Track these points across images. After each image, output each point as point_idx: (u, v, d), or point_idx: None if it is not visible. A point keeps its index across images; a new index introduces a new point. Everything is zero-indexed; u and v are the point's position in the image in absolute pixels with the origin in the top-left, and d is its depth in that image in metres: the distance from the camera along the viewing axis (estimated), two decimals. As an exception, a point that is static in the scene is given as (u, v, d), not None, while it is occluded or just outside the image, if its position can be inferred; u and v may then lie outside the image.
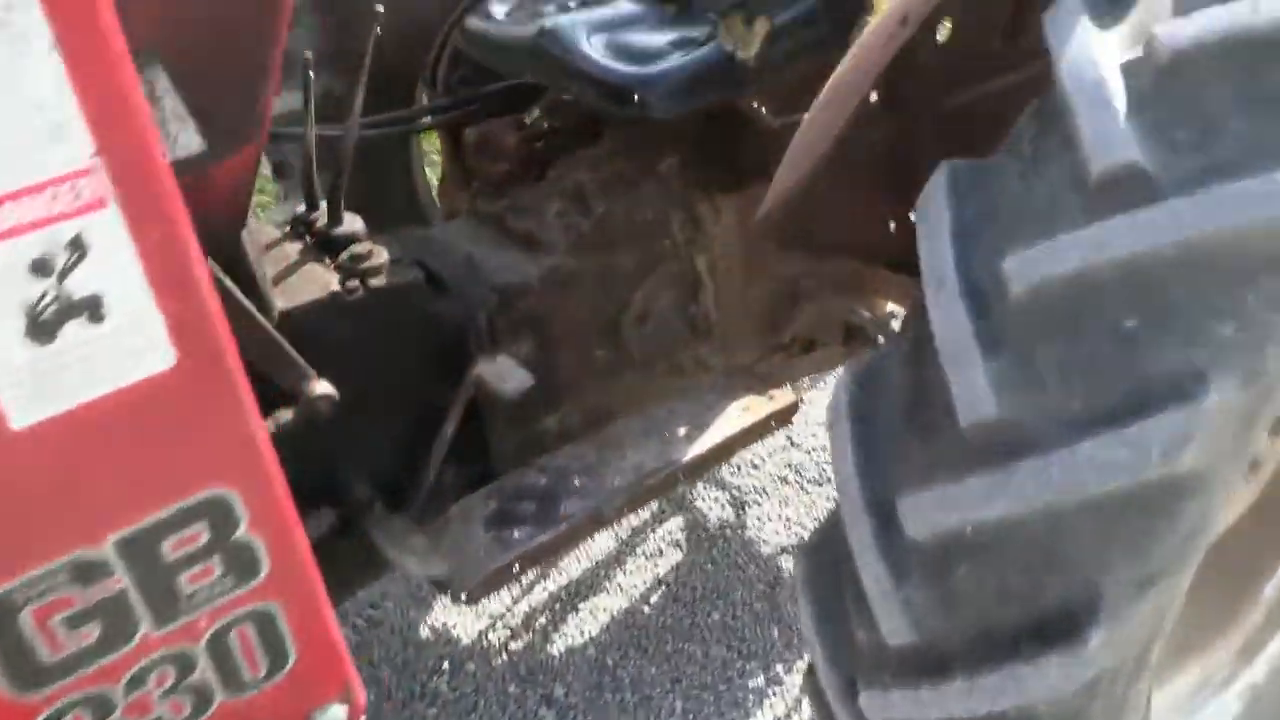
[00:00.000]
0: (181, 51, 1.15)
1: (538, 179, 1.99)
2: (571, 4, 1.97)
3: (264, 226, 1.79)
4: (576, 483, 1.82)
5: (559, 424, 2.02)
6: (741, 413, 1.96)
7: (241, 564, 0.94)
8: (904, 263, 1.73)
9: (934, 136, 1.66)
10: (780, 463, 2.94)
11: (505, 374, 1.68)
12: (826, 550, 1.39)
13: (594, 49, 1.77)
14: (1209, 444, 1.06)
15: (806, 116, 1.44)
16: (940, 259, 1.20)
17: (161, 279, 0.78)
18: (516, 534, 1.72)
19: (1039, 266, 1.10)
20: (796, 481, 2.88)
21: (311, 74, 1.74)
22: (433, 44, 2.26)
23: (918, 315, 1.24)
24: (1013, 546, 1.15)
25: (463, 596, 1.65)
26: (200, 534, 0.90)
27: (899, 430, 1.25)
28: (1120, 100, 1.10)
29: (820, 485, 2.86)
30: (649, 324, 2.04)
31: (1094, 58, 1.13)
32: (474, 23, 2.00)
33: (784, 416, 1.98)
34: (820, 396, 3.18)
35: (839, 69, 1.40)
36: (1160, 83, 1.10)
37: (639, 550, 2.69)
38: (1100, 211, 1.08)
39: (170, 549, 0.89)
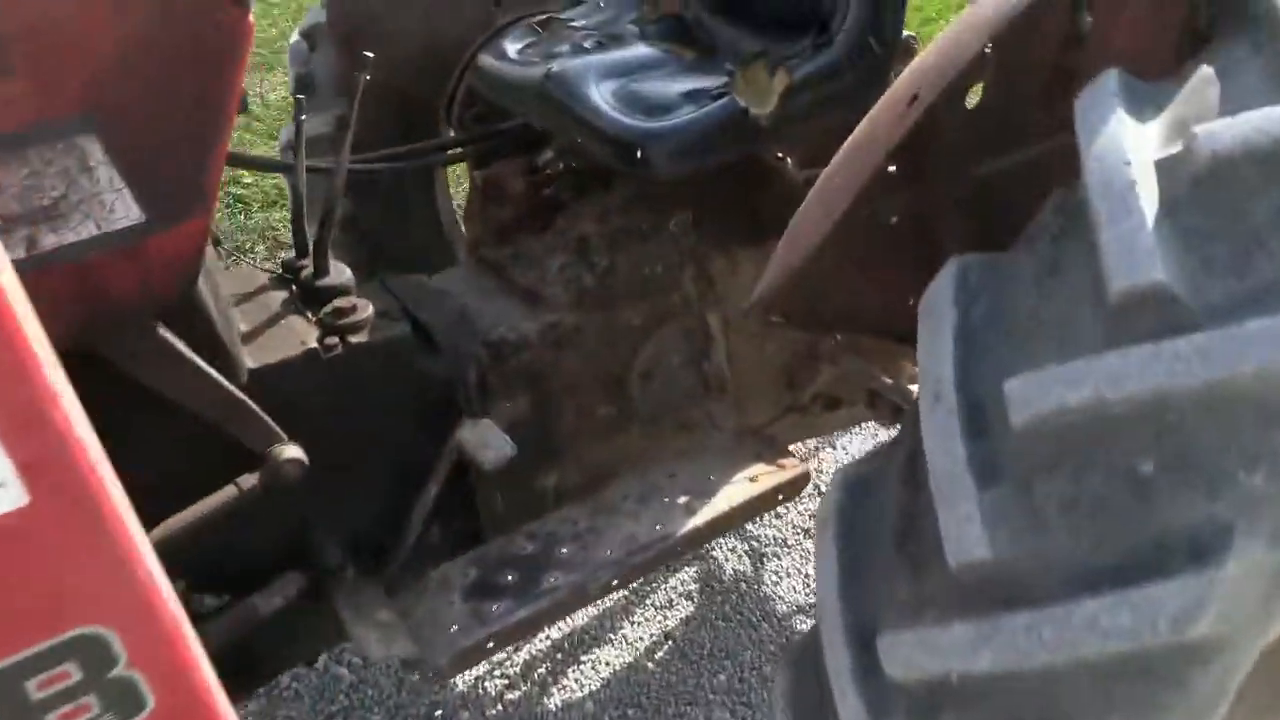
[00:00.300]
0: (118, 118, 1.08)
1: (545, 226, 1.90)
2: (587, 44, 1.87)
3: (254, 272, 1.72)
4: (564, 552, 1.72)
5: (557, 481, 1.92)
6: (748, 483, 1.84)
7: (123, 701, 0.86)
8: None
9: (958, 207, 1.53)
10: (804, 512, 2.81)
11: (487, 441, 1.58)
12: (809, 665, 1.27)
13: (601, 97, 1.67)
14: (1229, 609, 0.92)
15: (810, 195, 1.32)
16: (939, 368, 1.07)
17: (6, 422, 0.71)
18: (494, 607, 1.62)
19: (1047, 393, 0.97)
20: (820, 535, 2.74)
21: (305, 115, 1.67)
22: (454, 76, 2.19)
23: (913, 426, 1.12)
24: (1002, 700, 1.03)
25: (430, 676, 1.56)
26: (71, 673, 0.82)
27: (887, 555, 1.13)
28: (1150, 207, 0.96)
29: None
30: (656, 381, 1.93)
31: (1124, 155, 1.00)
32: (486, 60, 1.91)
33: (793, 489, 1.86)
34: (854, 442, 3.05)
35: (846, 145, 1.27)
36: (1197, 189, 0.96)
37: (648, 600, 2.59)
38: (1120, 337, 0.95)
39: (36, 688, 0.81)
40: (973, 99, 1.42)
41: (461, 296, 1.80)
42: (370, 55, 1.63)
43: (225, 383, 1.39)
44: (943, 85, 1.18)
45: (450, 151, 2.11)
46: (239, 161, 1.97)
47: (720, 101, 1.62)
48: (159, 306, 1.22)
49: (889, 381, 1.91)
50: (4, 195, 1.03)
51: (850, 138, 1.29)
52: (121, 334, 1.22)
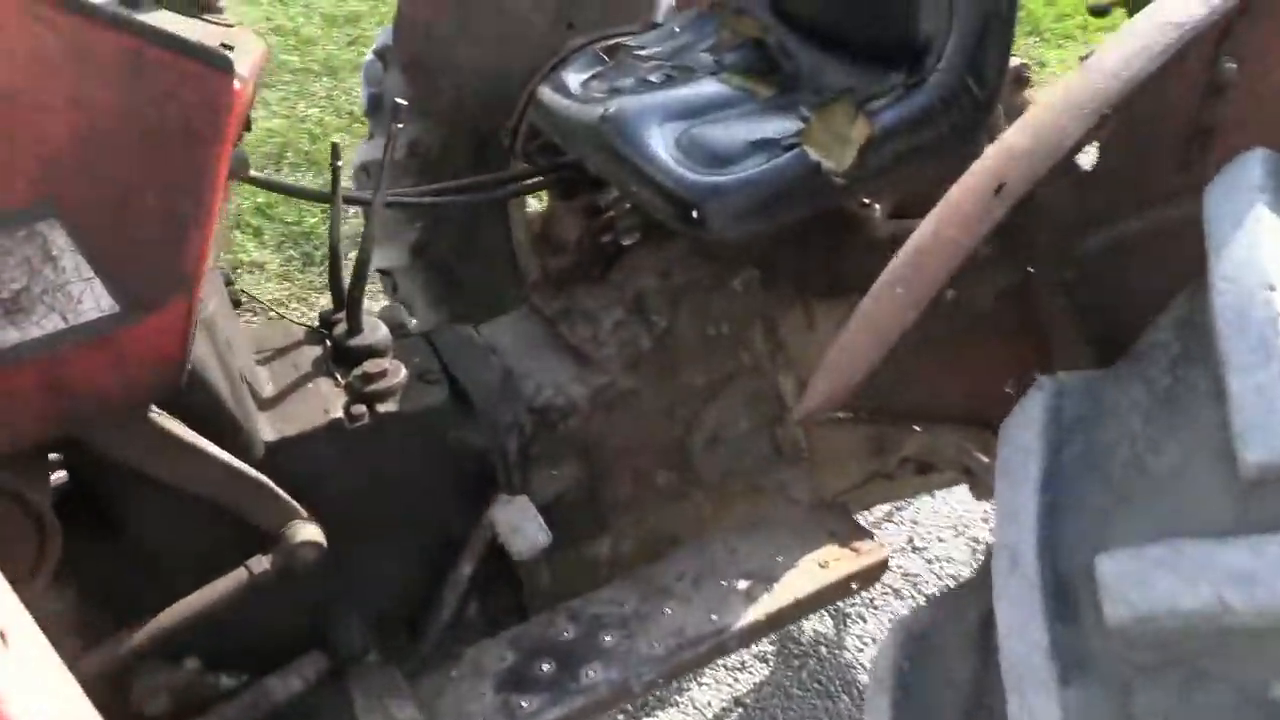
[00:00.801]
0: (83, 202, 0.97)
1: (603, 274, 1.74)
2: (654, 77, 1.70)
3: (288, 326, 1.62)
4: (607, 640, 1.57)
5: (609, 550, 1.78)
6: (817, 568, 1.65)
7: None
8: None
9: (1063, 284, 1.30)
10: (895, 569, 2.59)
11: (521, 527, 1.45)
12: None
13: (661, 143, 1.50)
14: None
15: (883, 279, 1.12)
16: (1018, 527, 0.87)
17: None
18: (525, 704, 1.49)
19: (1151, 589, 0.76)
20: (911, 596, 2.53)
21: (340, 158, 1.55)
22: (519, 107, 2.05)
23: (985, 584, 0.92)
24: None
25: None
26: None
27: (948, 735, 0.94)
28: (1298, 347, 0.75)
29: (938, 604, 2.49)
30: (722, 447, 1.76)
31: (1266, 277, 0.78)
32: (546, 93, 1.76)
33: (868, 578, 1.66)
34: (951, 494, 2.81)
35: (926, 226, 1.07)
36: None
37: (719, 659, 2.42)
38: (1254, 523, 0.74)
39: None
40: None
41: (509, 353, 1.67)
42: (404, 103, 1.50)
43: (234, 462, 1.29)
44: (1034, 178, 0.97)
45: (511, 186, 1.97)
46: (270, 186, 1.87)
47: (792, 153, 1.43)
48: (144, 398, 1.12)
49: (985, 460, 1.69)
50: (-43, 290, 0.94)
51: (931, 215, 1.09)
52: (105, 425, 1.13)
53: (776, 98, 1.61)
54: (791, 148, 1.44)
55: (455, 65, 2.11)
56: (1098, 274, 1.28)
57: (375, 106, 2.34)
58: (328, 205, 1.59)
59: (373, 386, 1.47)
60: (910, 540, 2.66)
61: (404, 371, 1.51)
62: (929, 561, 2.60)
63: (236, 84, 1.00)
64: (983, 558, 2.63)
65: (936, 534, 2.66)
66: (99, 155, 0.96)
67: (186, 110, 0.98)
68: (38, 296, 0.97)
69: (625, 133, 1.52)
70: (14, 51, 0.90)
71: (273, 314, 1.69)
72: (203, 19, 1.18)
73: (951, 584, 2.56)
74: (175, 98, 0.98)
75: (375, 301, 3.99)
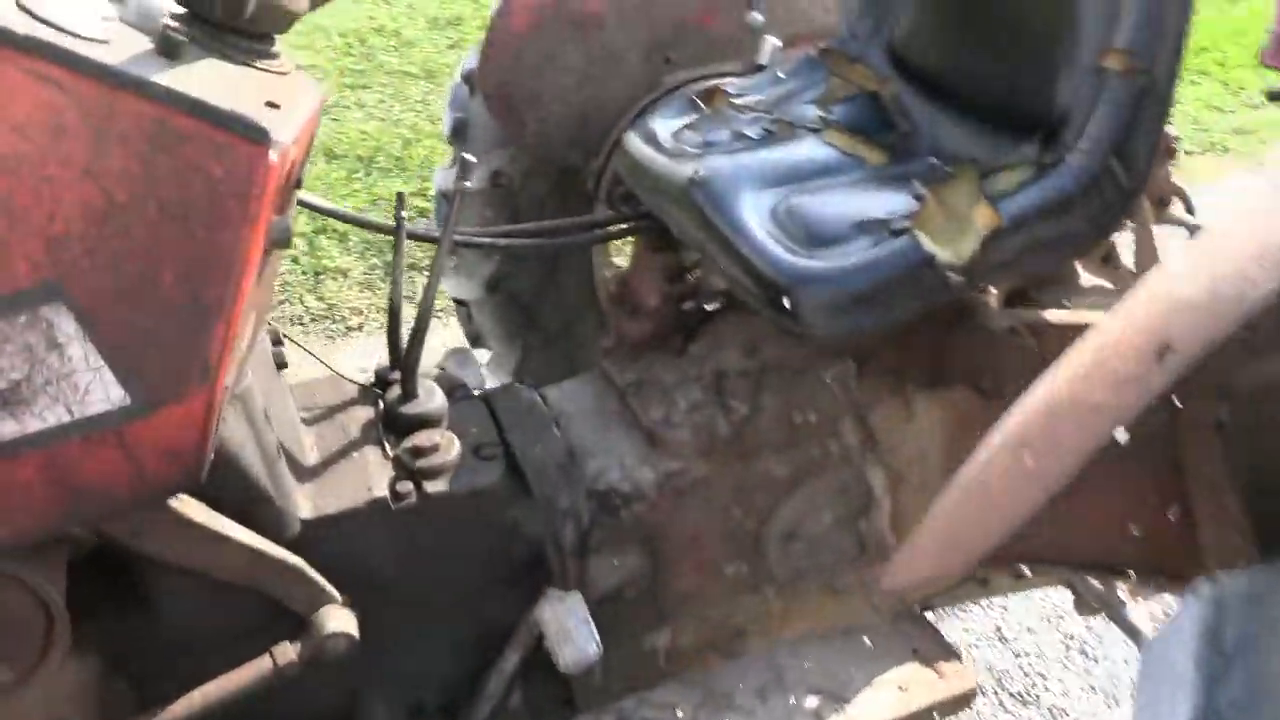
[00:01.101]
0: (94, 287, 0.86)
1: (683, 344, 1.59)
2: (753, 130, 1.55)
3: (340, 383, 1.51)
4: (656, 756, 1.43)
5: (669, 641, 1.63)
6: (896, 692, 1.48)
7: None
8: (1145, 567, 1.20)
9: (1214, 424, 1.11)
10: (979, 662, 2.39)
11: (570, 635, 1.32)
12: None
13: (754, 214, 1.34)
14: None
15: (988, 455, 0.94)
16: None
17: None
18: (561, 823, 1.36)
19: None
20: (995, 693, 2.32)
21: (405, 207, 1.43)
22: (606, 146, 1.92)
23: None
24: None
25: None
26: None
27: None
28: None
29: (1027, 705, 2.29)
30: (800, 542, 1.60)
31: None
32: (633, 141, 1.62)
33: (953, 707, 1.49)
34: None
35: (1050, 391, 0.89)
36: None
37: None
38: None
39: None
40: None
41: (573, 424, 1.53)
42: (472, 159, 1.37)
43: (262, 544, 1.18)
44: (1209, 342, 0.79)
45: (590, 234, 1.84)
46: (335, 215, 1.74)
47: (901, 239, 1.26)
48: (158, 494, 1.01)
49: (1096, 585, 1.50)
50: (-50, 378, 0.84)
51: (1069, 361, 0.91)
52: (118, 517, 1.02)
53: (888, 166, 1.44)
54: (901, 231, 1.26)
55: (542, 95, 1.99)
56: (1255, 413, 1.08)
57: (459, 132, 2.23)
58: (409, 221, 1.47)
59: (422, 462, 1.35)
60: (998, 629, 2.45)
61: (457, 447, 1.38)
62: (1017, 656, 2.39)
63: (273, 157, 0.89)
64: (1076, 655, 2.41)
65: (1027, 624, 2.45)
66: (113, 234, 0.85)
67: (214, 186, 0.87)
68: (40, 387, 0.87)
69: (715, 200, 1.37)
70: (21, 118, 0.80)
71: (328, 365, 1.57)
72: (255, 66, 1.07)
73: (1040, 681, 2.35)
74: (201, 171, 0.86)
75: (442, 321, 3.93)
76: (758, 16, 1.87)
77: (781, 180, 1.40)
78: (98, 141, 0.82)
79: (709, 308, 1.62)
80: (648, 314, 1.59)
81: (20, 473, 0.90)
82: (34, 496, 0.93)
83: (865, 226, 1.29)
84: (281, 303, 3.71)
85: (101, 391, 0.89)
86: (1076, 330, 1.03)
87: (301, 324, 3.81)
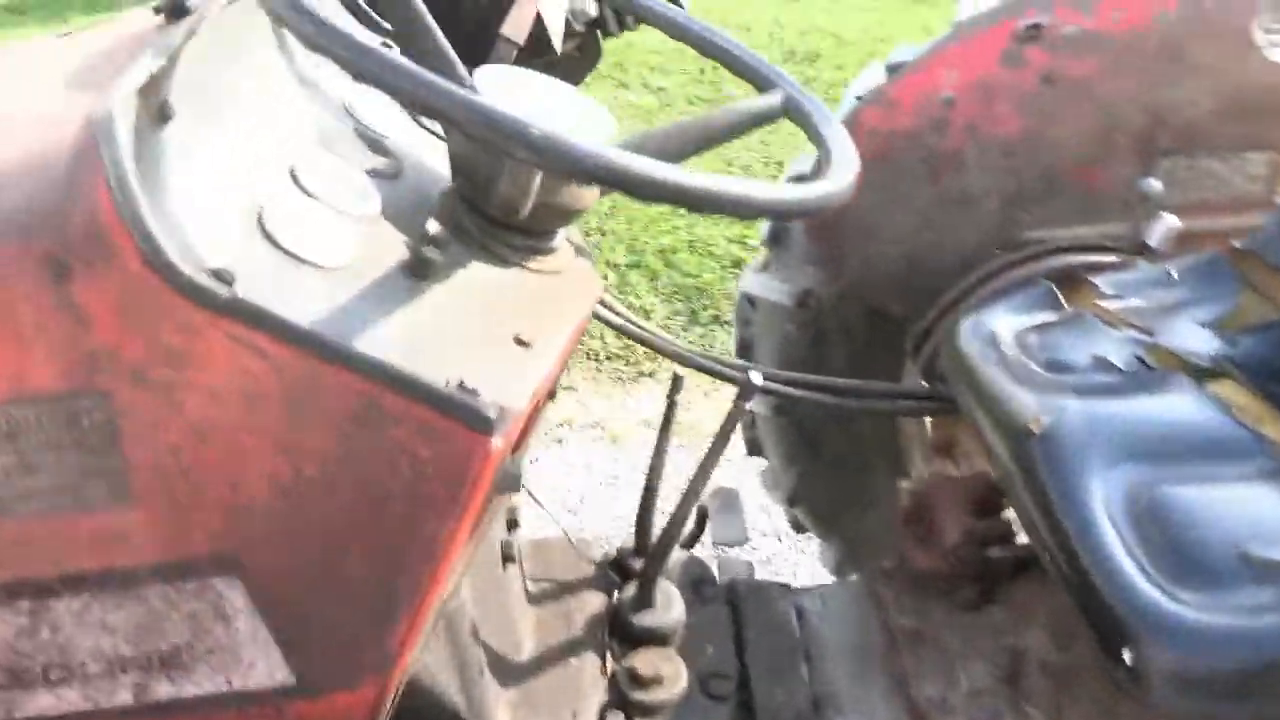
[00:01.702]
0: (273, 564, 0.74)
1: (979, 599, 1.30)
2: (1122, 360, 1.22)
3: (576, 558, 1.36)
4: None
5: None
6: None
7: None
8: None
9: None
10: None
11: None
12: None
13: (1104, 500, 1.03)
14: None
15: None
16: None
17: None
18: None
19: None
20: None
21: (680, 389, 1.25)
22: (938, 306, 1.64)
23: None
24: None
25: None
26: None
27: None
28: None
29: None
30: None
31: None
32: (965, 334, 1.33)
33: None
34: None
35: None
36: None
37: None
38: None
39: None
40: None
41: (826, 665, 1.29)
42: (757, 382, 1.15)
43: None
44: None
45: (897, 404, 1.58)
46: (620, 329, 1.47)
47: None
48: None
49: None
50: (114, 637, 0.75)
51: None
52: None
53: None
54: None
55: (874, 232, 1.73)
56: None
57: (778, 239, 2.02)
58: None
59: (640, 695, 1.17)
60: None
61: (683, 680, 1.19)
62: None
63: (496, 443, 0.72)
64: None
65: None
66: (300, 511, 0.73)
67: (420, 469, 0.72)
68: (201, 655, 0.76)
69: (1056, 464, 1.06)
70: (218, 384, 0.68)
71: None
72: (527, 266, 0.92)
73: None
74: (409, 454, 0.72)
75: (720, 332, 3.69)
76: (1155, 184, 1.51)
77: (1151, 453, 1.07)
78: (296, 414, 0.70)
79: (1020, 557, 1.31)
80: (942, 551, 1.31)
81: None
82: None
83: (1266, 565, 0.94)
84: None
85: (266, 669, 0.78)
86: None
87: (595, 360, 3.77)
